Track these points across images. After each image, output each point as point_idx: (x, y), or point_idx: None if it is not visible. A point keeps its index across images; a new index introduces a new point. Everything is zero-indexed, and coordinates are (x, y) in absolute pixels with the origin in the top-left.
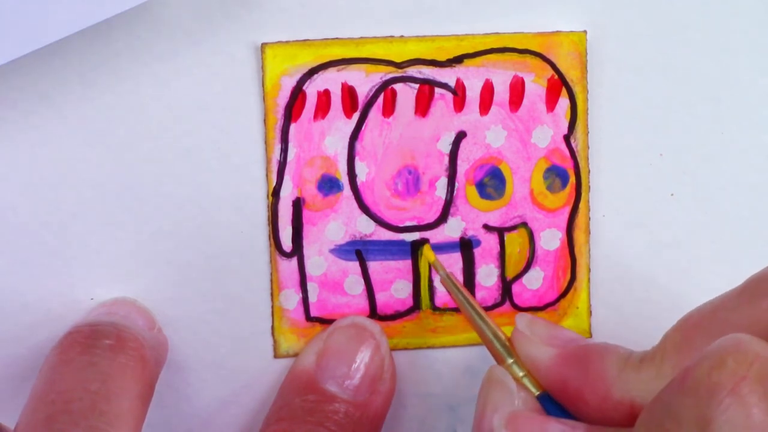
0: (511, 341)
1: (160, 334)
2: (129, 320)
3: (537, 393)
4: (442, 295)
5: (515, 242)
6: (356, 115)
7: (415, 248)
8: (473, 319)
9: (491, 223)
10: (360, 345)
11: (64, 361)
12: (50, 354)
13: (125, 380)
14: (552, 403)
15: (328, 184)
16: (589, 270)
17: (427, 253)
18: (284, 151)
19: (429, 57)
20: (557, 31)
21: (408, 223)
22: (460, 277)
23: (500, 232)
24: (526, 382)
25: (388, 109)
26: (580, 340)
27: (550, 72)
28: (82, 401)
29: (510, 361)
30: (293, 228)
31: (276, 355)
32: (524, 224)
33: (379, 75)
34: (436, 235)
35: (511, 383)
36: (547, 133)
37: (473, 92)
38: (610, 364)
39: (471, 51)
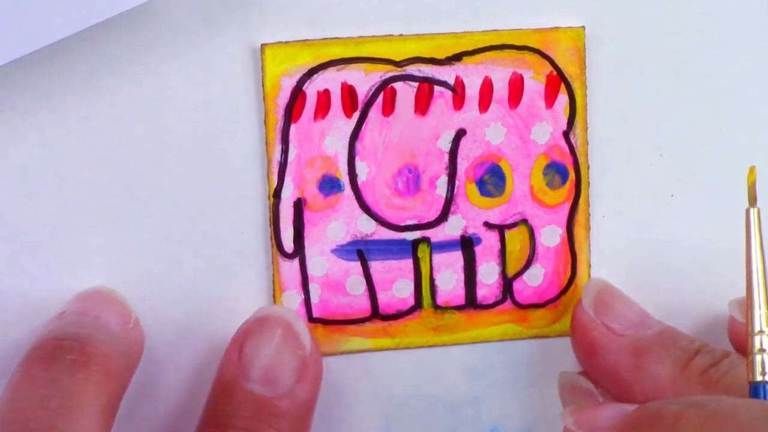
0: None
1: (134, 331)
2: (99, 323)
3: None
4: (443, 294)
5: (516, 239)
6: (356, 115)
7: (416, 247)
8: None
9: (492, 221)
10: (277, 337)
11: (25, 378)
12: (14, 371)
13: (87, 397)
14: None
15: (329, 184)
16: (590, 266)
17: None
18: (285, 151)
19: (428, 55)
20: (555, 27)
21: (409, 222)
22: (461, 275)
23: (501, 229)
24: None
25: (388, 108)
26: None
27: (549, 68)
28: (40, 419)
29: None
30: (294, 229)
31: None
32: (524, 221)
33: (378, 74)
34: (436, 234)
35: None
36: (546, 129)
37: (472, 90)
38: None
39: (470, 48)
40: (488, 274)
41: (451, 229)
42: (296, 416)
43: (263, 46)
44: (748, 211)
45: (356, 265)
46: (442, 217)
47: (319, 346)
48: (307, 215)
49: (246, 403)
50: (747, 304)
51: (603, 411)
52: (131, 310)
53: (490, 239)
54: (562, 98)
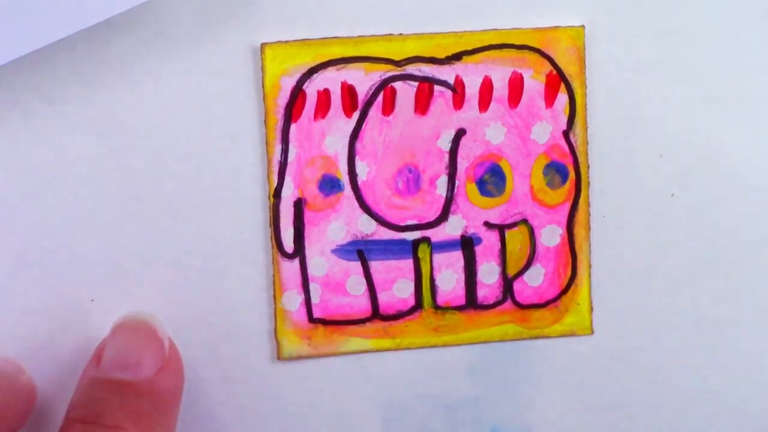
0: None
1: (22, 385)
2: None
3: None
4: (443, 294)
5: (516, 239)
6: (356, 114)
7: (416, 247)
8: None
9: (492, 221)
10: (135, 333)
11: None
12: None
13: None
14: None
15: (329, 184)
16: (590, 266)
17: None
18: (285, 151)
19: (428, 54)
20: (555, 27)
21: (409, 222)
22: (461, 275)
23: (501, 229)
24: None
25: (388, 108)
26: None
27: (549, 67)
28: None
29: None
30: (295, 229)
31: (279, 358)
32: (525, 221)
33: (378, 73)
34: (437, 234)
35: None
36: (546, 129)
37: (472, 89)
38: None
39: (469, 48)
40: (488, 274)
41: (452, 228)
42: (159, 404)
43: (263, 45)
44: None
45: (356, 265)
46: (443, 216)
47: (177, 347)
48: (308, 215)
49: (108, 388)
50: None
51: None
52: (20, 366)
53: (491, 239)
54: (562, 98)
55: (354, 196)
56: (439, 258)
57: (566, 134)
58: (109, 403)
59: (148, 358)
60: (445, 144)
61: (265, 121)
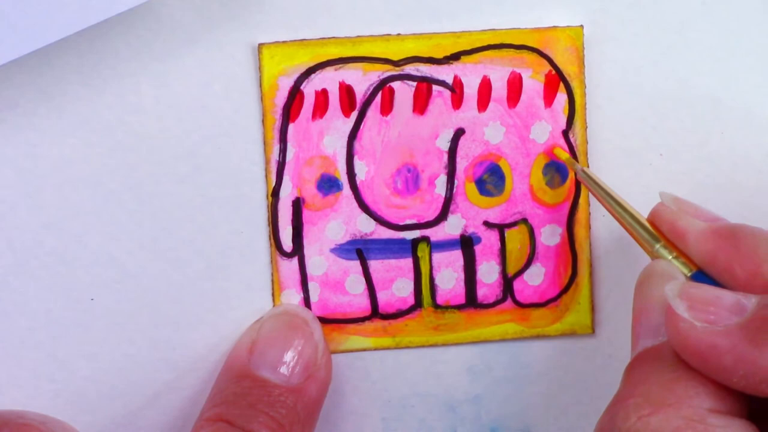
0: (655, 225)
1: None
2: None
3: (690, 273)
4: (443, 293)
5: (516, 238)
6: (354, 114)
7: (416, 246)
8: (614, 209)
9: (491, 220)
10: (292, 332)
11: None
12: None
13: None
14: (706, 281)
15: (328, 184)
16: (591, 265)
17: (559, 152)
18: (283, 151)
19: (426, 54)
20: (554, 27)
21: (408, 221)
22: (461, 274)
23: (500, 228)
24: (678, 263)
25: (386, 108)
26: (725, 219)
27: (548, 67)
28: None
29: (658, 245)
30: (293, 228)
31: None
32: (524, 220)
33: (376, 73)
34: (436, 233)
35: (677, 273)
36: (545, 128)
37: (471, 89)
38: (762, 240)
39: (468, 48)
40: (488, 274)
41: (451, 228)
42: (302, 413)
43: (260, 45)
44: (584, 171)
45: (356, 264)
46: (442, 216)
47: (329, 351)
48: (306, 214)
49: (255, 388)
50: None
51: (724, 300)
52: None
53: (490, 238)
54: (561, 97)
55: (353, 196)
56: (438, 257)
57: (566, 134)
58: (255, 407)
59: (301, 363)
60: (443, 144)
61: (262, 121)
